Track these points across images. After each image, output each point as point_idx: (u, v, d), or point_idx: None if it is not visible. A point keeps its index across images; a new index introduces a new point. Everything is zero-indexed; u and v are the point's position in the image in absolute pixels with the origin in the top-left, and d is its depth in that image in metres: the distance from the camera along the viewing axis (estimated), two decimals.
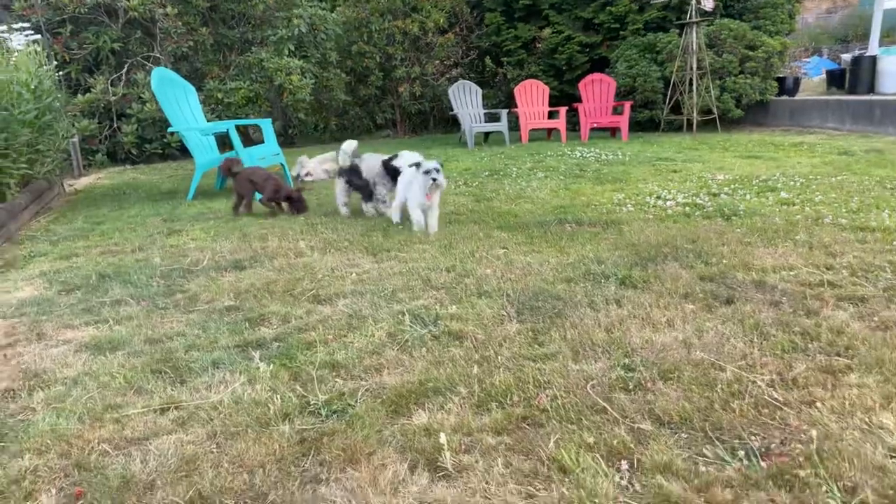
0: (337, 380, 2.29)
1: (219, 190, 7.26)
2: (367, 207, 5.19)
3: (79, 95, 10.25)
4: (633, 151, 8.66)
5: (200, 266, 3.88)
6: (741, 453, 1.73)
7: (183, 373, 2.42)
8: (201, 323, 2.93)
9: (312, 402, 2.12)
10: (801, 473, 1.61)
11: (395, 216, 4.77)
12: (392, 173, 4.89)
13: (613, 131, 11.21)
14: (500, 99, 14.07)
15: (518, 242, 4.02)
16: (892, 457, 1.68)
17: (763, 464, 1.68)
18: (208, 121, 8.34)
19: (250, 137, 11.24)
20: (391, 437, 1.89)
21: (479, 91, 11.76)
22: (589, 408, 1.99)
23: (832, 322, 2.51)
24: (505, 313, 2.83)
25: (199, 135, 6.92)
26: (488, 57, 14.33)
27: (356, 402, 2.12)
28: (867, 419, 1.85)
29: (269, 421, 2.01)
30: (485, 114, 11.65)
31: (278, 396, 2.16)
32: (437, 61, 14.43)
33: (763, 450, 1.75)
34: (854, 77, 12.21)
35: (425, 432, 1.89)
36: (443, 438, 1.81)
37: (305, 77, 11.44)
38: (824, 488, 1.56)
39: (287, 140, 13.15)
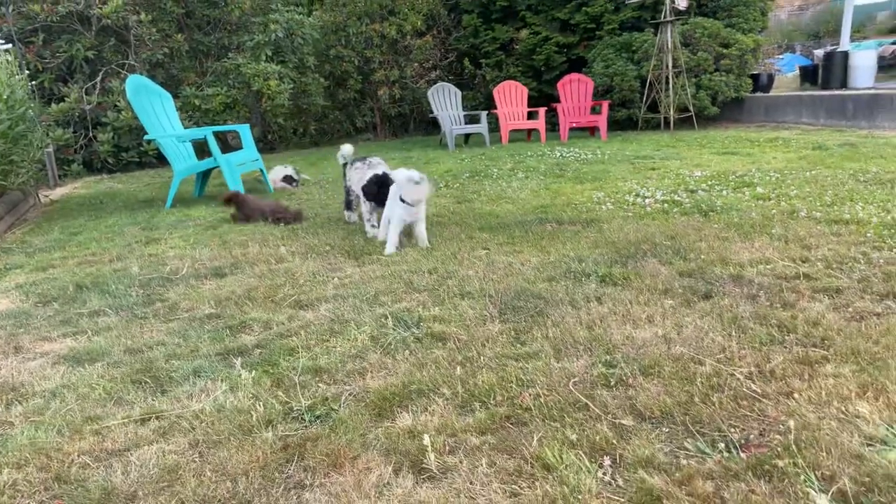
0: (320, 385, 2.28)
1: (197, 197, 7.19)
2: (348, 215, 5.10)
3: (53, 105, 10.10)
4: (612, 150, 8.73)
5: (180, 274, 3.84)
6: (721, 445, 1.76)
7: (164, 382, 2.39)
8: (182, 331, 2.90)
9: (296, 408, 2.11)
10: (780, 463, 1.64)
11: (382, 233, 4.28)
12: (378, 192, 4.35)
13: (592, 130, 11.29)
14: (479, 100, 14.11)
15: (500, 243, 4.04)
16: (868, 445, 1.71)
17: (743, 455, 1.71)
18: (186, 128, 8.26)
19: (229, 144, 11.16)
20: (375, 440, 1.89)
21: (459, 93, 11.78)
22: (571, 405, 2.01)
23: (808, 314, 2.56)
24: (487, 314, 2.84)
25: (176, 142, 6.85)
26: (467, 59, 14.36)
27: (340, 406, 2.11)
28: (844, 408, 1.89)
29: (251, 428, 2.00)
30: (464, 115, 11.68)
31: (261, 403, 2.15)
32: (416, 64, 14.44)
33: (742, 441, 1.77)
34: (827, 72, 12.42)
35: (409, 434, 1.90)
36: (426, 440, 1.81)
37: (283, 82, 11.38)
38: (802, 477, 1.59)
39: (267, 146, 13.07)
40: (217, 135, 6.74)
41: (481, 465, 1.74)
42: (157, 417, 2.13)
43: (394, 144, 12.84)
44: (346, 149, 5.09)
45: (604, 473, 1.67)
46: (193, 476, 1.77)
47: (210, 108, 10.87)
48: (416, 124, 15.15)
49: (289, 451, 1.87)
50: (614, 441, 1.80)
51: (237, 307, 3.16)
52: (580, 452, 1.75)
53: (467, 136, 11.76)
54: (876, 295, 2.73)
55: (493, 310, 2.87)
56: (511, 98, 11.42)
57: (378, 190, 4.29)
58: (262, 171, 7.31)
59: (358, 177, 4.63)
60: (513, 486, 1.65)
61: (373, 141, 14.19)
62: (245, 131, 7.38)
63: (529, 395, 2.08)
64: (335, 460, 1.80)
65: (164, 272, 3.91)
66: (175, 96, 8.78)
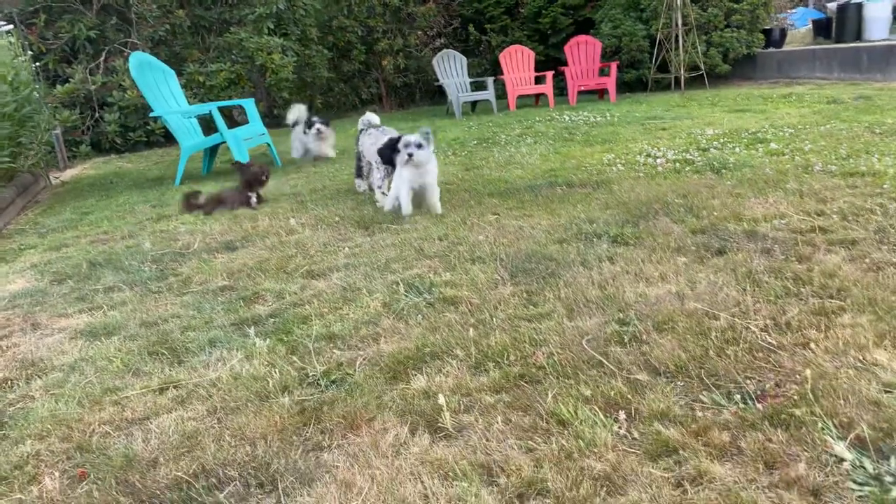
0: (334, 351, 2.29)
1: (205, 175, 7.19)
2: (358, 183, 5.08)
3: (58, 86, 10.08)
4: (622, 112, 8.60)
5: (192, 249, 3.86)
6: (737, 397, 1.75)
7: (180, 353, 2.42)
8: (196, 304, 2.92)
9: (311, 374, 2.13)
10: (797, 412, 1.63)
11: (388, 203, 4.23)
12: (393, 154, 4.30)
13: (601, 93, 11.11)
14: (485, 67, 13.90)
15: (509, 208, 4.01)
16: (887, 391, 1.70)
17: (759, 406, 1.70)
18: (190, 104, 8.22)
19: (234, 119, 11.11)
20: (391, 402, 1.90)
21: (464, 60, 11.61)
22: (585, 362, 2.01)
23: (824, 266, 2.52)
24: (499, 277, 2.83)
25: (182, 118, 6.83)
26: (471, 25, 14.11)
27: (354, 371, 2.13)
28: (861, 357, 1.87)
29: (268, 394, 2.02)
30: (471, 83, 11.52)
31: (276, 370, 2.17)
32: (420, 32, 14.21)
33: (758, 392, 1.76)
34: (840, 25, 12.07)
35: (424, 395, 1.91)
36: (441, 400, 1.82)
37: (287, 55, 11.26)
38: (820, 425, 1.58)
39: (273, 121, 12.99)
40: (222, 111, 6.70)
41: (496, 422, 1.75)
42: (174, 387, 2.15)
43: (400, 115, 12.72)
44: (372, 117, 5.06)
45: (619, 427, 1.67)
46: (213, 441, 1.79)
47: (214, 84, 10.80)
48: (423, 94, 14.97)
49: (306, 414, 1.89)
50: (629, 396, 1.80)
51: (250, 279, 3.18)
52: (595, 408, 1.75)
53: (474, 103, 11.61)
54: (893, 245, 2.68)
55: (505, 273, 2.86)
56: (518, 63, 11.23)
57: (392, 153, 4.21)
58: (269, 144, 7.28)
59: (371, 142, 4.58)
60: (528, 441, 1.65)
61: (379, 112, 14.03)
62: (250, 106, 7.33)
63: (543, 354, 2.08)
64: (352, 422, 1.82)
65: (175, 247, 3.93)
66: (179, 73, 8.71)
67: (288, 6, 11.54)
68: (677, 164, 4.70)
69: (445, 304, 2.59)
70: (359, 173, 4.99)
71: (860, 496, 1.37)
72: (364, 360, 2.20)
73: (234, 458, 1.71)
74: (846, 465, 1.46)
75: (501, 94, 11.54)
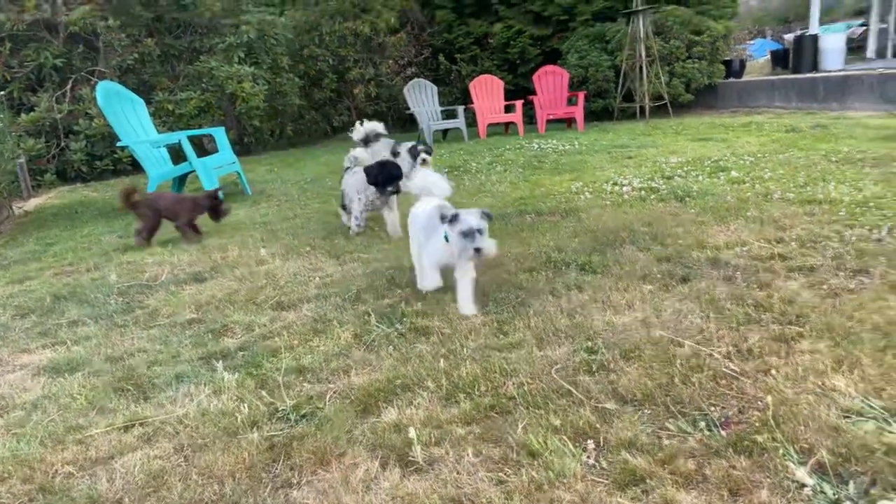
0: (304, 384, 2.28)
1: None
2: (345, 217, 4.72)
3: (22, 115, 9.91)
4: (590, 140, 8.79)
5: (159, 281, 3.80)
6: (702, 424, 1.79)
7: (146, 389, 2.37)
8: (163, 338, 2.88)
9: (280, 408, 2.11)
10: (759, 439, 1.67)
11: (430, 281, 2.93)
12: (380, 173, 4.25)
13: (569, 122, 11.35)
14: (456, 95, 14.12)
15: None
16: (845, 417, 1.75)
17: (723, 432, 1.74)
18: (159, 133, 8.16)
19: (204, 148, 11.04)
20: (361, 435, 1.90)
21: (435, 88, 11.77)
22: (555, 392, 2.03)
23: (784, 292, 2.61)
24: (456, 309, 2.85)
25: (151, 147, 6.77)
26: (442, 54, 14.37)
27: (325, 404, 2.11)
28: (820, 383, 1.93)
29: (237, 430, 2.00)
30: (442, 111, 11.67)
31: (245, 405, 2.14)
32: (391, 61, 14.41)
33: (722, 419, 1.81)
34: (797, 56, 12.60)
35: (395, 428, 1.90)
36: (412, 433, 1.82)
37: (258, 84, 11.29)
38: (781, 451, 1.62)
39: (243, 148, 12.95)
40: (192, 139, 6.66)
41: (467, 454, 1.75)
42: (140, 424, 2.11)
43: None
44: (359, 153, 4.85)
45: (588, 457, 1.70)
46: (179, 480, 1.76)
47: (184, 112, 10.75)
48: (394, 121, 15.10)
49: (275, 450, 1.87)
50: (597, 425, 1.83)
51: (218, 311, 3.14)
52: (564, 437, 1.77)
53: (445, 131, 11.76)
54: (849, 271, 2.78)
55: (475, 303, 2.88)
56: (487, 92, 11.43)
57: (380, 170, 4.25)
58: (239, 173, 7.25)
59: (354, 181, 4.46)
60: (499, 473, 1.66)
61: (351, 140, 14.11)
62: (220, 134, 7.31)
63: (513, 384, 2.10)
64: (322, 457, 1.80)
65: (142, 279, 3.87)
66: (148, 102, 8.65)
67: (259, 35, 11.60)
68: (643, 192, 4.82)
69: (417, 334, 2.60)
70: (344, 208, 4.74)
71: None
72: (334, 393, 2.19)
73: (201, 498, 1.68)
74: (807, 490, 1.50)
75: (472, 122, 11.71)
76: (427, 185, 3.12)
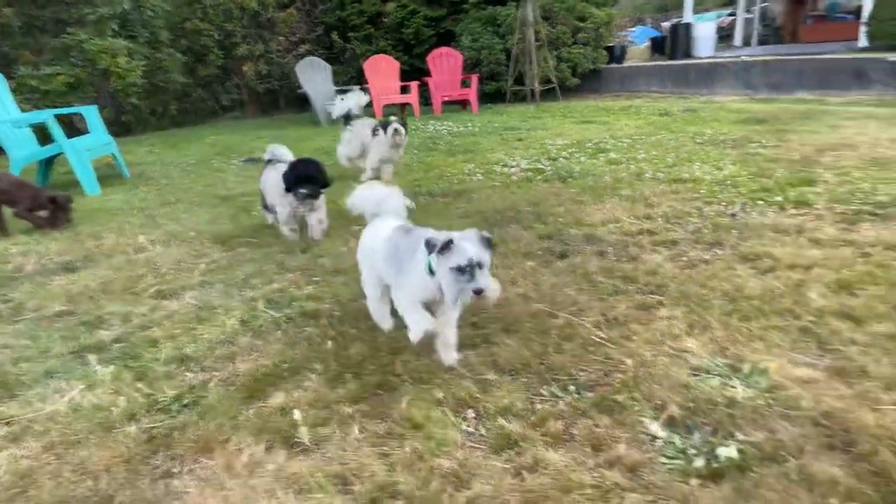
0: (187, 374, 2.22)
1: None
2: (266, 215, 4.08)
3: None
4: (483, 123, 8.98)
5: (25, 272, 3.52)
6: (571, 388, 1.94)
7: (12, 387, 2.21)
8: (29, 332, 2.68)
9: (161, 400, 2.05)
10: (620, 398, 1.84)
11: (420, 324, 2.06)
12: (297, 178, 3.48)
13: (464, 104, 11.51)
14: (351, 75, 13.87)
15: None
16: (694, 375, 1.96)
17: (589, 394, 1.90)
18: (24, 111, 7.43)
19: (76, 127, 10.19)
20: (246, 421, 1.89)
21: (329, 67, 11.52)
22: (440, 367, 2.11)
23: (648, 265, 2.84)
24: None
25: (12, 127, 6.16)
26: (335, 32, 14.04)
27: (208, 392, 2.07)
28: (675, 346, 2.14)
29: (112, 424, 1.92)
30: (336, 91, 11.44)
31: (122, 398, 2.06)
32: (282, 38, 13.90)
33: (590, 383, 1.97)
34: (673, 43, 13.48)
35: (281, 412, 1.91)
36: (297, 415, 1.84)
37: (134, 59, 10.52)
38: (637, 408, 1.80)
39: (121, 128, 12.08)
40: (62, 118, 6.13)
41: (353, 432, 1.80)
42: (6, 423, 1.98)
43: (263, 122, 12.36)
44: (279, 149, 4.02)
45: (468, 425, 1.79)
46: (50, 478, 1.68)
47: (50, 89, 9.83)
48: (287, 101, 14.64)
49: (154, 442, 1.82)
50: (478, 395, 1.93)
51: (92, 302, 2.97)
52: (446, 409, 1.86)
53: None
54: (705, 244, 3.07)
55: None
56: (383, 72, 11.34)
57: (295, 174, 3.47)
58: (114, 155, 6.77)
59: (277, 180, 3.60)
60: (383, 447, 1.72)
61: (241, 119, 13.56)
62: (91, 113, 6.78)
63: (400, 361, 2.16)
64: (204, 445, 1.78)
65: (6, 271, 3.56)
66: (8, 77, 7.84)
67: (134, 7, 10.79)
68: (530, 174, 5.02)
69: (306, 318, 2.60)
70: (266, 205, 4.00)
71: (670, 469, 1.58)
72: (219, 381, 2.15)
73: (73, 495, 1.61)
74: (659, 442, 1.67)
75: (367, 103, 11.58)
76: (372, 201, 2.43)
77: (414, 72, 12.81)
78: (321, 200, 3.64)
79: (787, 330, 2.17)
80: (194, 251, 3.67)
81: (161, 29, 11.52)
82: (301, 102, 14.14)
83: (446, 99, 11.23)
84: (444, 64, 11.43)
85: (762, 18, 16.45)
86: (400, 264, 2.10)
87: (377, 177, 5.27)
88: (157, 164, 7.42)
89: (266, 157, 4.02)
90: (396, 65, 11.53)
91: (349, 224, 3.95)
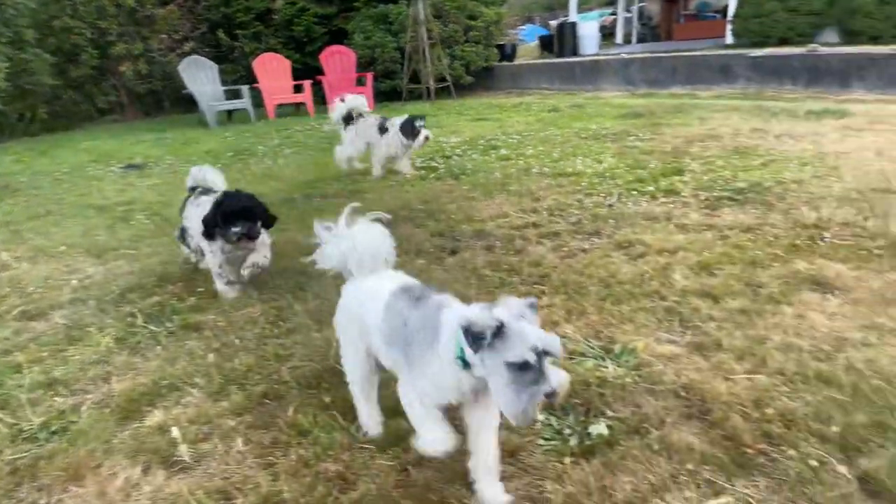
0: (55, 398, 2.08)
1: None
2: (186, 251, 3.26)
3: None
4: None
5: None
6: None
7: None
8: None
9: (26, 428, 1.91)
10: None
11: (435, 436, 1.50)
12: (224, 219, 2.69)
13: None
14: (241, 74, 13.37)
15: None
16: (570, 358, 2.07)
17: None
18: None
19: None
20: (121, 444, 1.80)
21: (216, 67, 11.04)
22: (328, 371, 2.10)
23: (532, 257, 2.97)
24: (248, 296, 2.80)
25: None
26: (221, 30, 13.47)
27: (79, 417, 1.95)
28: (554, 332, 2.24)
29: None
30: (225, 91, 11.01)
31: None
32: (164, 36, 13.17)
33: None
34: (560, 42, 14.02)
35: (159, 431, 1.83)
36: (175, 432, 1.77)
37: None
38: None
39: None
40: None
41: (237, 444, 1.76)
42: None
43: (146, 125, 11.66)
44: (209, 173, 3.13)
45: (356, 428, 1.80)
46: None
47: None
48: (172, 102, 13.89)
49: (18, 474, 1.70)
50: None
51: None
52: (335, 413, 1.86)
53: (230, 112, 11.13)
54: (585, 234, 3.24)
55: (254, 291, 2.84)
56: (273, 71, 11.03)
57: (224, 212, 2.65)
58: None
59: (199, 213, 2.82)
60: (268, 457, 1.70)
61: (121, 122, 12.73)
62: None
63: (287, 369, 2.13)
64: (75, 473, 1.68)
65: None
66: None
67: None
68: (423, 172, 5.08)
69: (188, 331, 2.50)
70: (183, 238, 3.21)
71: (546, 450, 1.67)
72: (92, 403, 2.03)
73: None
74: (538, 425, 1.76)
75: (260, 102, 11.23)
76: (353, 254, 1.79)
77: (308, 70, 12.54)
78: (263, 238, 2.85)
79: (654, 310, 2.34)
80: (65, 266, 3.42)
81: (26, 28, 10.58)
82: (187, 103, 13.45)
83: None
84: (338, 62, 11.29)
85: (640, 17, 17.46)
86: (408, 348, 1.50)
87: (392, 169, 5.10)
88: (26, 174, 6.83)
89: (188, 183, 3.15)
90: (287, 63, 11.25)
91: None
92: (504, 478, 1.55)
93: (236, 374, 2.12)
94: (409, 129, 4.84)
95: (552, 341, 1.34)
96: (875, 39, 8.81)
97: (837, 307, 2.23)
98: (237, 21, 13.19)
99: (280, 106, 10.99)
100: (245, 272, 2.85)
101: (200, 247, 2.96)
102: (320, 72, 11.45)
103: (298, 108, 11.46)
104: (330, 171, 5.49)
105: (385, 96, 12.04)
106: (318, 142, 7.38)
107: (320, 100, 11.46)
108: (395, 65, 11.62)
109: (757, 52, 9.03)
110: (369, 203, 4.17)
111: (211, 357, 2.23)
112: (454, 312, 1.45)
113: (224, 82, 11.34)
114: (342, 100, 5.32)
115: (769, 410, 1.70)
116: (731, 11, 10.93)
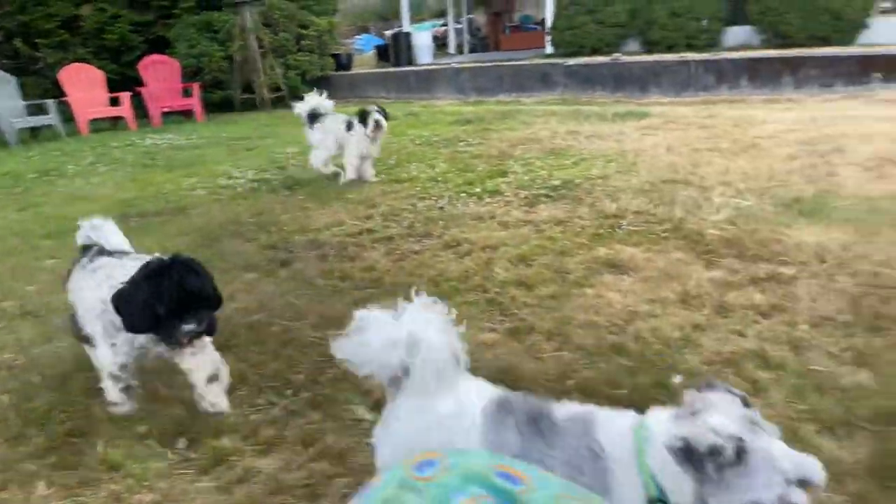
0: None
1: None
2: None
3: None
4: (210, 133, 8.52)
5: None
6: (288, 392, 1.97)
7: None
8: None
9: None
10: (328, 391, 1.93)
11: None
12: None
13: (189, 114, 10.77)
14: (46, 87, 11.96)
15: (69, 248, 3.61)
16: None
17: (305, 394, 1.95)
18: None
19: None
20: None
21: (14, 80, 9.81)
22: (140, 399, 1.97)
23: (366, 262, 3.01)
24: (53, 330, 2.55)
25: None
26: (19, 39, 12.00)
27: None
28: None
29: None
30: (27, 105, 9.82)
31: None
32: None
33: (309, 382, 2.03)
34: (396, 51, 14.29)
35: None
36: None
37: None
38: (344, 398, 1.90)
39: None
40: None
41: (38, 489, 1.60)
42: None
43: None
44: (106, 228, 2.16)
45: (175, 454, 1.71)
46: None
47: None
48: None
49: None
50: (188, 421, 1.85)
51: None
52: (150, 442, 1.76)
53: (35, 129, 9.95)
54: (417, 236, 3.35)
55: (62, 324, 2.59)
56: (84, 83, 10.04)
57: (169, 293, 1.66)
58: None
59: (94, 285, 1.87)
60: (75, 498, 1.57)
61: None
62: None
63: (98, 403, 1.97)
64: None
65: None
66: None
67: None
68: (256, 184, 4.93)
69: None
70: (84, 336, 1.98)
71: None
72: None
73: None
74: (365, 424, 1.79)
75: (70, 117, 10.17)
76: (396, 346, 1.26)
77: (127, 81, 11.56)
78: (203, 341, 1.88)
79: (478, 303, 2.49)
80: None
81: None
82: None
83: (166, 110, 10.40)
84: (160, 72, 10.56)
85: (469, 29, 18.30)
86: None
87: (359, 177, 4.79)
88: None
89: (79, 240, 2.16)
90: (100, 74, 10.31)
91: (40, 259, 3.47)
92: (330, 480, 1.57)
93: (36, 414, 1.92)
94: (363, 118, 4.81)
95: (811, 466, 0.92)
96: (671, 48, 10.04)
97: (630, 285, 2.52)
98: (38, 29, 11.84)
99: (95, 121, 10.03)
100: (222, 404, 1.88)
101: (90, 334, 1.90)
102: (139, 83, 10.64)
103: (116, 122, 10.54)
104: (151, 188, 5.13)
105: (216, 107, 11.48)
106: (138, 158, 6.86)
107: (142, 113, 10.65)
108: (224, 74, 11.15)
109: (571, 61, 9.88)
110: (194, 219, 3.99)
111: (6, 399, 2.00)
112: (622, 429, 0.99)
113: (28, 96, 10.13)
114: (303, 98, 5.17)
115: (570, 382, 1.88)
116: (548, 23, 11.84)
